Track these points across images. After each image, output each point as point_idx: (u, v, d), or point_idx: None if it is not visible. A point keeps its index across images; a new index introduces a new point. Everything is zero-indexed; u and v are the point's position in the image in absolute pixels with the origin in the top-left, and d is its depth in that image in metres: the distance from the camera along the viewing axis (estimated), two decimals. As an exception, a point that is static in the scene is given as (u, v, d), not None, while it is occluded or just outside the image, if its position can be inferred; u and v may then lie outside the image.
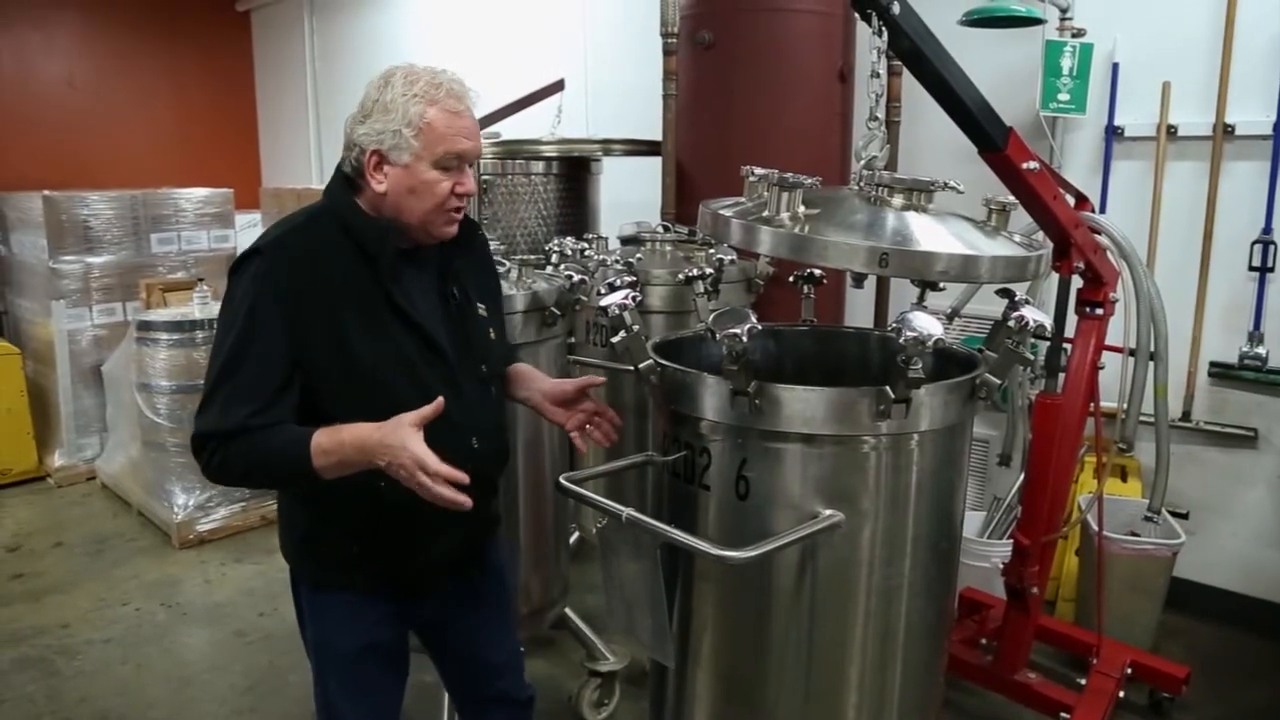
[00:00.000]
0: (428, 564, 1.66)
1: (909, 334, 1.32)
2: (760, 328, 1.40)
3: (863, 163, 1.61)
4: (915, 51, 1.64)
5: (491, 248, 1.90)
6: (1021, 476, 2.76)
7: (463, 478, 1.38)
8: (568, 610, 2.72)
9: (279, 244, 1.50)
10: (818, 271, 2.06)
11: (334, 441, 1.41)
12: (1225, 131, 3.01)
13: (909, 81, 2.22)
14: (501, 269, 2.24)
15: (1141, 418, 2.58)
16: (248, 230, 5.61)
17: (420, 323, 1.54)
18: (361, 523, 1.59)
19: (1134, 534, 2.91)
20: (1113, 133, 3.23)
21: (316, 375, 1.47)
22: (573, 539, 3.13)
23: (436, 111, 1.48)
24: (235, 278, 1.50)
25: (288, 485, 1.63)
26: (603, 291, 1.65)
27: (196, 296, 4.26)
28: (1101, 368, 2.33)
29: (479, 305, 1.69)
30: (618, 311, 1.58)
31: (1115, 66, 3.19)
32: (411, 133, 1.47)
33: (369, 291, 1.50)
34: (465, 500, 1.38)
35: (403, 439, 1.37)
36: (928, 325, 1.33)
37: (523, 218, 3.60)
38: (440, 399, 1.43)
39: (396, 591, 1.67)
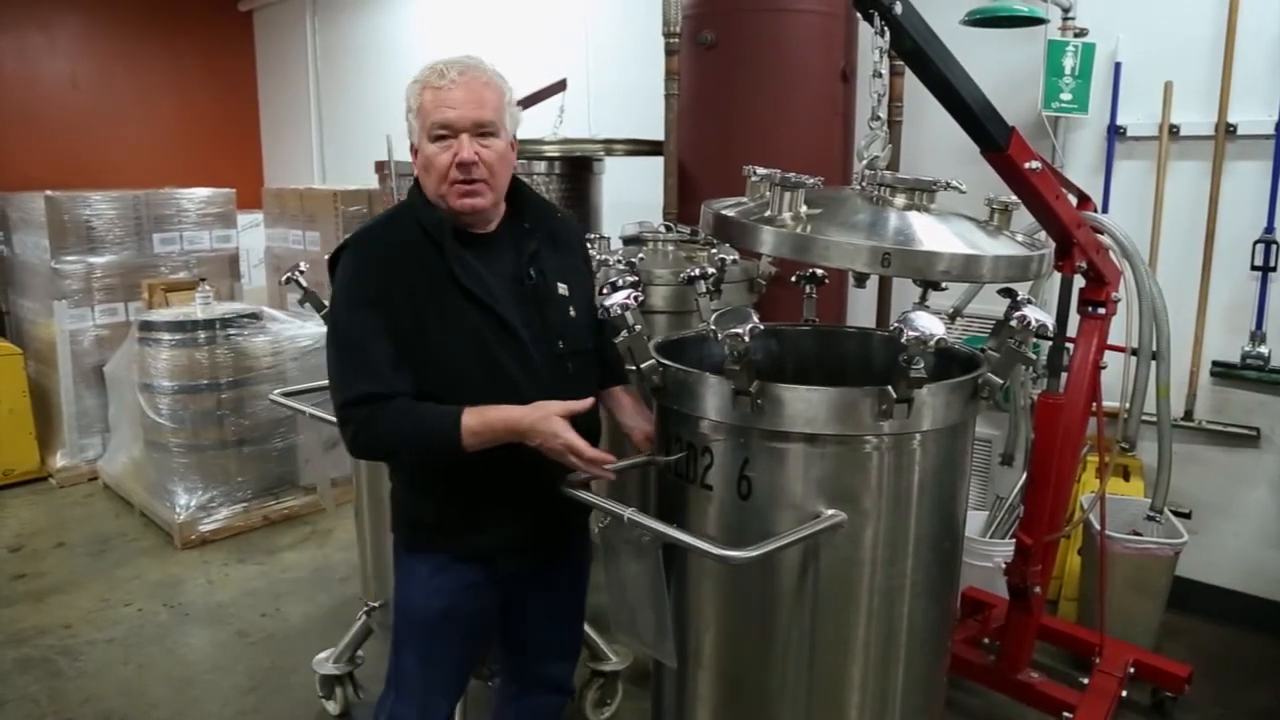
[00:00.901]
0: (509, 537, 1.73)
1: (911, 334, 1.33)
2: (762, 327, 1.40)
3: (865, 162, 1.62)
4: (918, 51, 1.64)
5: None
6: (1024, 476, 2.76)
7: (609, 457, 1.58)
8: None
9: (360, 238, 1.69)
10: (820, 271, 2.06)
11: (482, 423, 1.55)
12: (1227, 131, 3.01)
13: (911, 81, 2.22)
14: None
15: (1144, 417, 2.58)
16: (250, 230, 5.61)
17: (488, 302, 1.63)
18: (446, 490, 1.70)
19: (1136, 533, 2.91)
20: (1115, 132, 3.23)
21: (404, 352, 1.60)
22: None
23: (427, 91, 1.62)
24: (332, 275, 1.68)
25: (426, 457, 1.68)
26: (605, 291, 1.66)
27: (199, 297, 4.25)
28: (1104, 367, 2.33)
29: (559, 285, 1.74)
30: (620, 311, 1.58)
31: (1117, 66, 3.19)
32: (412, 116, 1.64)
33: (441, 275, 1.62)
34: (611, 475, 1.59)
35: (554, 429, 1.54)
36: (930, 325, 1.34)
37: (524, 218, 3.59)
38: (589, 399, 1.62)
39: (480, 561, 1.73)
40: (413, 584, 1.77)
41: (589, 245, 2.82)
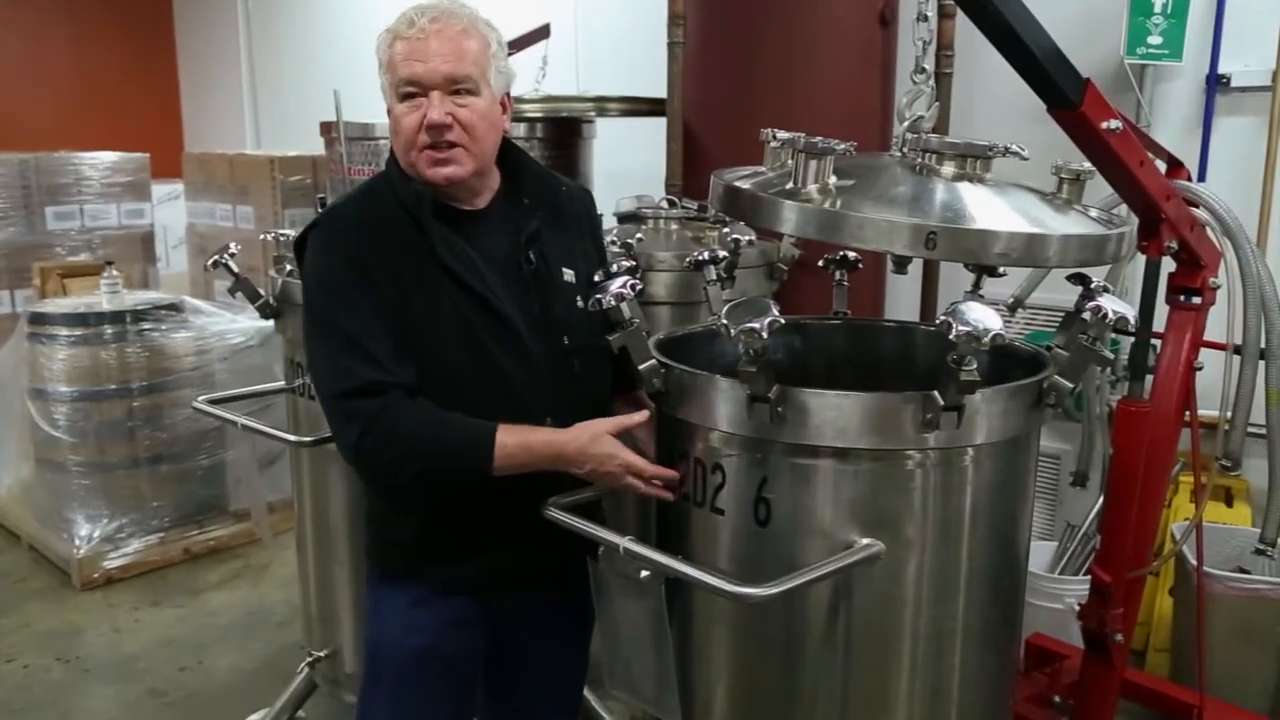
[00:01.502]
0: (502, 567, 1.76)
1: (962, 328, 1.35)
2: (783, 321, 1.42)
3: (906, 124, 1.65)
4: (971, -12, 1.67)
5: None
6: (1101, 499, 2.77)
7: (673, 475, 1.64)
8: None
9: (331, 215, 1.75)
10: (852, 254, 2.09)
11: (520, 444, 1.61)
12: (1355, 82, 3.03)
13: (964, 25, 2.25)
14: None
15: (1249, 429, 2.60)
16: (167, 204, 5.62)
17: (477, 287, 1.67)
18: (430, 507, 1.73)
19: (1242, 570, 2.92)
20: (1216, 83, 3.24)
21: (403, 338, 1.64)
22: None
23: (398, 41, 1.65)
24: (300, 260, 1.75)
25: (447, 473, 1.68)
26: (598, 279, 1.69)
27: (105, 283, 4.26)
28: (1199, 368, 2.35)
29: (565, 270, 1.79)
30: (615, 302, 1.61)
31: (1221, 2, 3.21)
32: (382, 71, 1.68)
33: (424, 257, 1.67)
34: (669, 495, 1.65)
35: (609, 450, 1.61)
36: (984, 318, 1.36)
37: (500, 189, 3.62)
38: (645, 412, 1.68)
39: (467, 594, 1.77)
40: (387, 619, 1.79)
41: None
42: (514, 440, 1.60)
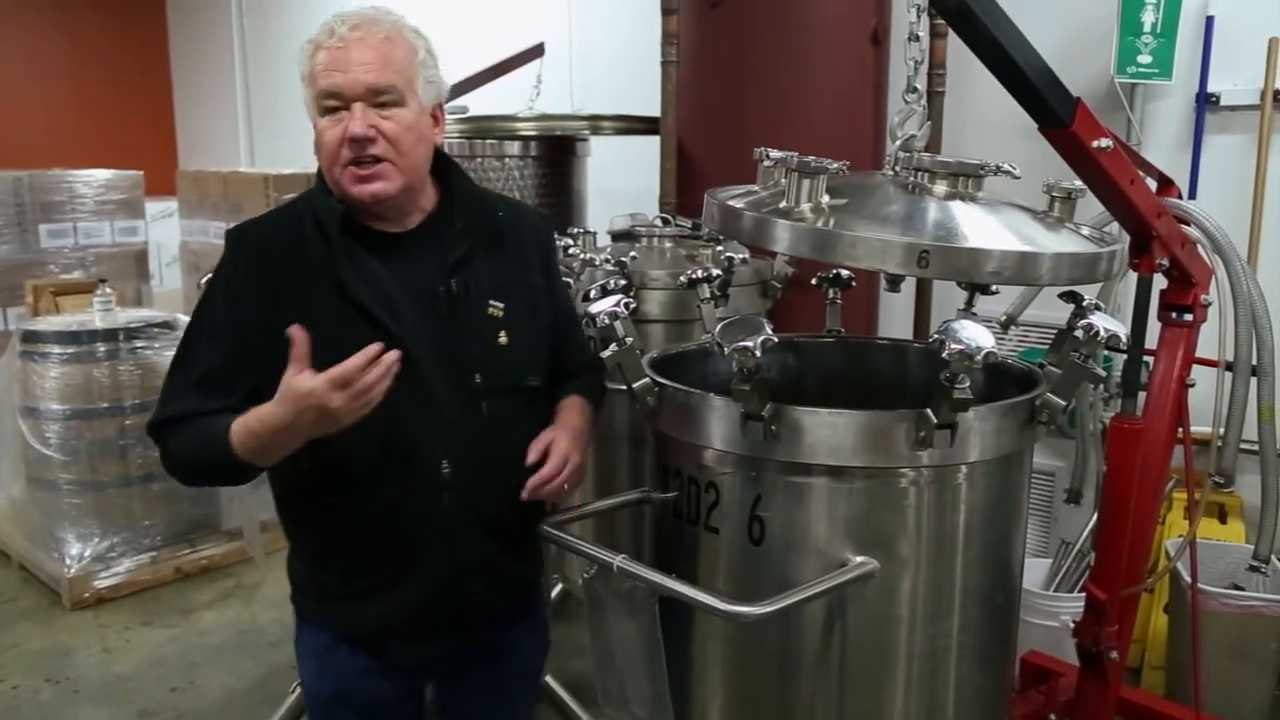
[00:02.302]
0: (398, 616, 1.69)
1: (955, 346, 1.36)
2: (777, 339, 1.43)
3: (899, 143, 1.65)
4: (963, 8, 1.68)
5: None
6: (1095, 516, 2.78)
7: (386, 354, 1.44)
8: (548, 678, 2.73)
9: (239, 230, 1.71)
10: (846, 273, 2.09)
11: (244, 428, 1.53)
12: (1343, 101, 3.06)
13: (956, 44, 2.27)
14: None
15: (1243, 445, 2.60)
16: (161, 221, 5.62)
17: (378, 316, 1.58)
18: (316, 542, 1.69)
19: (1237, 587, 2.92)
20: (1205, 101, 3.27)
21: (262, 368, 1.55)
22: (554, 591, 3.15)
23: (320, 52, 1.58)
24: None
25: (226, 477, 1.69)
26: (591, 296, 1.69)
27: (97, 301, 4.26)
28: (1191, 385, 2.36)
29: (492, 303, 1.68)
30: (608, 321, 1.61)
31: (1209, 21, 3.24)
32: (305, 86, 1.61)
33: (326, 280, 1.60)
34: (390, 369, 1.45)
35: (307, 385, 1.44)
36: (977, 336, 1.37)
37: (494, 207, 3.62)
38: (394, 353, 1.46)
39: (366, 643, 1.71)
40: (304, 660, 1.78)
41: (568, 247, 2.86)
42: (240, 424, 1.53)
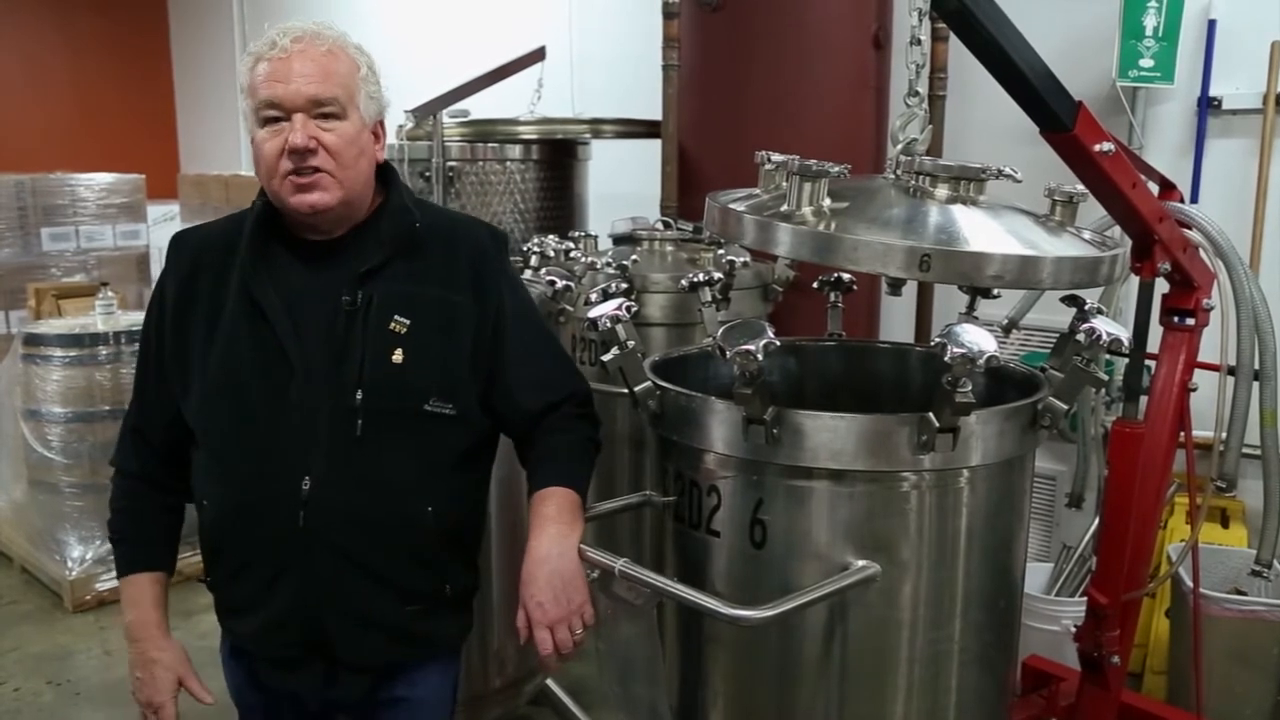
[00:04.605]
0: (258, 633, 1.69)
1: (956, 350, 1.36)
2: (778, 343, 1.43)
3: (900, 146, 1.65)
4: (964, 11, 1.68)
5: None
6: (1096, 521, 2.77)
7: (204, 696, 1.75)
8: (550, 682, 2.73)
9: (180, 235, 1.75)
10: (847, 276, 2.09)
11: (126, 602, 1.73)
12: (1343, 105, 3.06)
13: (957, 48, 2.27)
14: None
15: (1245, 450, 2.60)
16: (163, 224, 5.63)
17: (272, 318, 1.58)
18: (202, 537, 1.71)
19: (1239, 592, 2.92)
20: (1207, 105, 3.27)
21: (171, 380, 1.66)
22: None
23: (260, 64, 1.57)
24: None
25: None
26: (592, 300, 1.69)
27: (99, 304, 4.26)
28: (1193, 389, 2.36)
29: (396, 318, 1.60)
30: (609, 324, 1.61)
31: (1211, 24, 3.24)
32: (244, 97, 1.60)
33: (238, 284, 1.62)
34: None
35: (152, 674, 1.74)
36: (979, 340, 1.37)
37: (496, 212, 3.63)
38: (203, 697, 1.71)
39: (248, 657, 1.76)
40: (223, 659, 1.86)
41: (569, 250, 2.85)
42: (127, 592, 1.73)
